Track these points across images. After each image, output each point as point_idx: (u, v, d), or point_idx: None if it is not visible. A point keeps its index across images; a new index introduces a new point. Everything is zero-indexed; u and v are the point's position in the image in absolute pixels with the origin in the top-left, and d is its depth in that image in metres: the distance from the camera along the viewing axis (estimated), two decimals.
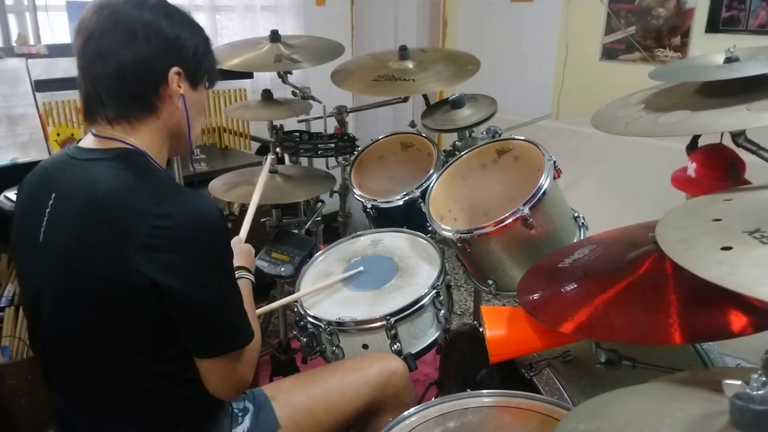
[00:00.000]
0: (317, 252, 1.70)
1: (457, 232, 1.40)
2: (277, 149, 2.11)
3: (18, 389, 1.84)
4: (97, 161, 0.99)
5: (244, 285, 1.23)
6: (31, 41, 2.35)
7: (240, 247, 1.33)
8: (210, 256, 0.96)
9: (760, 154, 1.04)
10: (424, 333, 1.44)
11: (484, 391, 1.14)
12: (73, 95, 2.21)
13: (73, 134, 2.16)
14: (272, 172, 1.85)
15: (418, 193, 1.67)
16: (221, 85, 2.75)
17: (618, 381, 0.89)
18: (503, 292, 1.47)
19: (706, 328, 0.85)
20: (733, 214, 0.84)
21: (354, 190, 1.84)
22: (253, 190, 1.67)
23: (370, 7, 3.60)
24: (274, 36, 2.06)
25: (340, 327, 1.39)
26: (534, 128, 2.37)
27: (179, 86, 1.02)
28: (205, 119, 2.74)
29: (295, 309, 1.50)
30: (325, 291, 1.53)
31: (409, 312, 1.38)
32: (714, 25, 2.70)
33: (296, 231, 2.01)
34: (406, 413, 1.10)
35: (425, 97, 2.07)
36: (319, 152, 2.04)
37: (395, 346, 1.37)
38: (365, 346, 1.40)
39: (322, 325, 1.40)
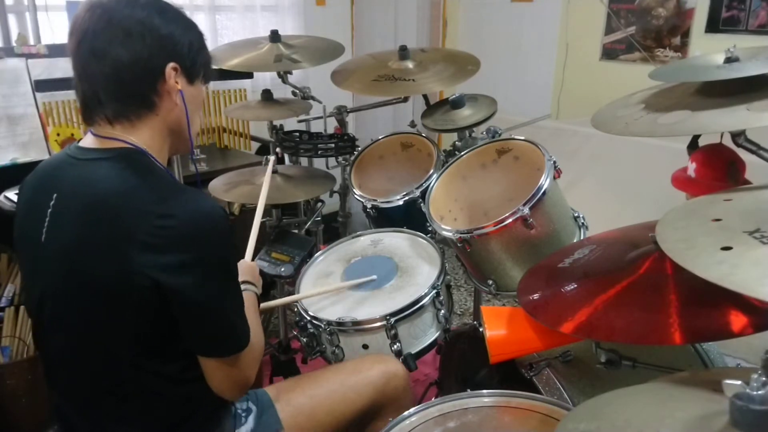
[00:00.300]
0: (317, 252, 1.70)
1: (457, 232, 1.40)
2: (277, 149, 2.11)
3: (18, 389, 1.84)
4: (98, 161, 0.99)
5: (250, 296, 1.23)
6: (31, 41, 2.35)
7: (244, 265, 1.33)
8: (213, 255, 0.96)
9: (760, 154, 1.04)
10: (424, 333, 1.44)
11: (484, 391, 1.14)
12: (73, 95, 2.19)
13: (73, 134, 2.16)
14: (272, 172, 1.85)
15: (418, 193, 1.67)
16: (221, 85, 2.75)
17: (618, 381, 0.89)
18: (503, 292, 1.47)
19: (706, 328, 0.85)
20: (733, 214, 0.84)
21: (354, 190, 1.84)
22: (253, 191, 1.68)
23: (370, 7, 3.60)
24: (274, 36, 2.06)
25: (340, 327, 1.39)
26: (534, 128, 2.37)
27: (176, 82, 1.02)
28: (203, 116, 2.76)
29: (295, 309, 1.50)
30: (325, 287, 1.53)
31: (409, 312, 1.38)
32: (714, 25, 2.70)
33: (296, 231, 2.01)
34: (406, 413, 1.10)
35: (425, 97, 2.07)
36: (319, 152, 2.04)
37: (395, 346, 1.37)
38: (365, 346, 1.40)
39: (322, 325, 1.40)
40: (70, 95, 2.21)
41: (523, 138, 1.56)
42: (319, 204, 2.11)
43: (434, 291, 1.42)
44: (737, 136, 1.04)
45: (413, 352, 1.41)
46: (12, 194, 1.83)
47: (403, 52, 1.99)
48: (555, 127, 2.82)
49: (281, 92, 2.15)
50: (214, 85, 2.74)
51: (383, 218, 1.78)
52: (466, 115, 1.82)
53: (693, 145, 1.27)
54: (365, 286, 1.50)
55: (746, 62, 1.03)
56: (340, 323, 1.39)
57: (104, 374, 1.02)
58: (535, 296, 1.09)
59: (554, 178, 1.40)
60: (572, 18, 3.21)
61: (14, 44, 2.18)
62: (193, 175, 2.23)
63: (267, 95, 2.05)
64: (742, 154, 1.14)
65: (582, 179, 2.60)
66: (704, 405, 0.67)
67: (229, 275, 1.02)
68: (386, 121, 3.47)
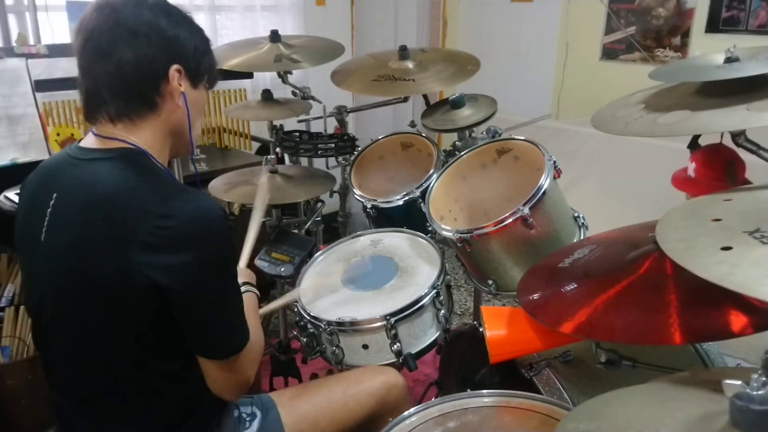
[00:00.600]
0: (317, 252, 1.70)
1: (457, 232, 1.40)
2: (277, 149, 2.11)
3: (18, 389, 1.84)
4: (99, 161, 0.99)
5: (250, 297, 1.24)
6: (31, 41, 2.35)
7: (242, 271, 1.35)
8: (212, 256, 0.96)
9: (760, 154, 1.03)
10: (424, 333, 1.44)
11: (484, 391, 1.14)
12: (73, 95, 2.21)
13: (73, 134, 2.16)
14: (272, 172, 1.85)
15: (418, 193, 1.67)
16: (221, 85, 2.75)
17: (618, 381, 0.89)
18: (503, 292, 1.47)
19: (706, 328, 0.85)
20: (733, 214, 0.84)
21: (354, 190, 1.84)
22: (254, 191, 1.68)
23: (370, 7, 3.60)
24: (274, 36, 2.06)
25: (340, 327, 1.39)
26: (534, 128, 2.36)
27: (180, 84, 1.02)
28: (204, 120, 2.75)
29: (295, 309, 1.50)
30: (325, 291, 1.52)
31: (409, 312, 1.38)
32: (714, 25, 2.70)
33: (296, 231, 2.01)
34: (406, 413, 1.11)
35: (425, 97, 2.07)
36: (319, 152, 2.04)
37: (395, 346, 1.37)
38: (365, 346, 1.40)
39: (322, 325, 1.40)
40: (70, 95, 2.22)
41: (523, 138, 1.56)
42: (319, 204, 2.11)
43: (434, 291, 1.42)
44: (737, 136, 1.04)
45: (413, 352, 1.41)
46: (12, 194, 1.83)
47: (403, 52, 1.99)
48: (555, 127, 2.82)
49: (281, 92, 2.15)
50: None
51: (383, 218, 1.78)
52: (466, 115, 1.82)
53: (693, 145, 1.27)
54: (365, 287, 1.50)
55: (746, 62, 1.02)
56: (340, 323, 1.39)
57: (104, 374, 1.02)
58: (535, 296, 1.09)
59: (554, 178, 1.40)
60: (572, 18, 3.21)
61: (14, 44, 2.18)
62: (193, 175, 2.23)
63: (267, 95, 2.05)
64: (742, 154, 1.14)
65: (582, 179, 2.60)
66: (704, 405, 0.67)
67: (228, 275, 1.02)
68: (386, 121, 3.47)
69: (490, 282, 1.47)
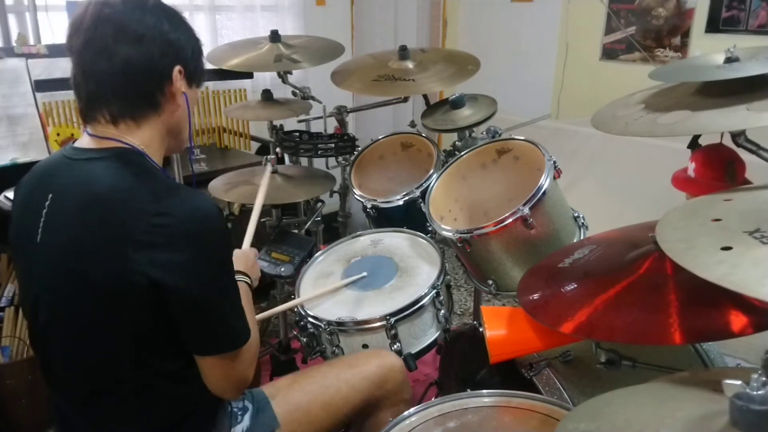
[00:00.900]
0: (317, 252, 1.70)
1: (457, 232, 1.40)
2: (277, 149, 2.11)
3: (18, 389, 1.84)
4: (94, 161, 0.99)
5: (242, 287, 1.23)
6: (31, 41, 2.35)
7: (239, 252, 1.32)
8: (209, 253, 0.97)
9: (760, 154, 1.04)
10: (424, 333, 1.44)
11: (484, 391, 1.14)
12: (74, 95, 2.21)
13: (73, 134, 2.16)
14: (272, 172, 1.85)
15: (418, 193, 1.67)
16: (221, 85, 2.75)
17: (618, 381, 0.89)
18: (503, 292, 1.47)
19: (706, 328, 0.85)
20: (733, 214, 0.84)
21: (354, 190, 1.84)
22: (253, 191, 1.68)
23: (370, 7, 3.60)
24: (274, 36, 2.06)
25: (340, 327, 1.39)
26: (534, 128, 2.36)
27: (180, 84, 1.04)
28: (204, 120, 2.75)
29: (295, 309, 1.50)
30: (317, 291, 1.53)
31: (409, 312, 1.38)
32: (714, 25, 2.70)
33: (296, 231, 2.01)
34: (405, 413, 1.11)
35: (425, 97, 2.07)
36: (319, 152, 2.04)
37: (395, 346, 1.37)
38: (365, 346, 1.40)
39: (322, 325, 1.40)
40: (71, 95, 2.19)
41: (523, 138, 1.56)
42: (319, 204, 2.11)
43: (434, 291, 1.42)
44: (737, 136, 1.04)
45: (413, 352, 1.41)
46: (12, 194, 1.83)
47: (403, 52, 1.99)
48: (555, 127, 2.82)
49: (281, 92, 2.15)
50: (214, 85, 2.75)
51: (383, 218, 1.78)
52: (466, 115, 1.82)
53: (693, 145, 1.27)
54: (366, 287, 1.50)
55: (746, 62, 1.03)
56: (340, 323, 1.39)
57: (103, 374, 1.02)
58: (535, 296, 1.09)
59: (554, 178, 1.40)
60: (572, 18, 3.21)
61: (14, 44, 2.18)
62: (192, 175, 2.23)
63: (267, 95, 2.05)
64: (742, 154, 1.14)
65: (582, 179, 2.60)
66: (704, 405, 0.67)
67: (225, 272, 1.02)
68: (386, 121, 3.46)
69: (490, 282, 1.47)
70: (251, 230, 1.45)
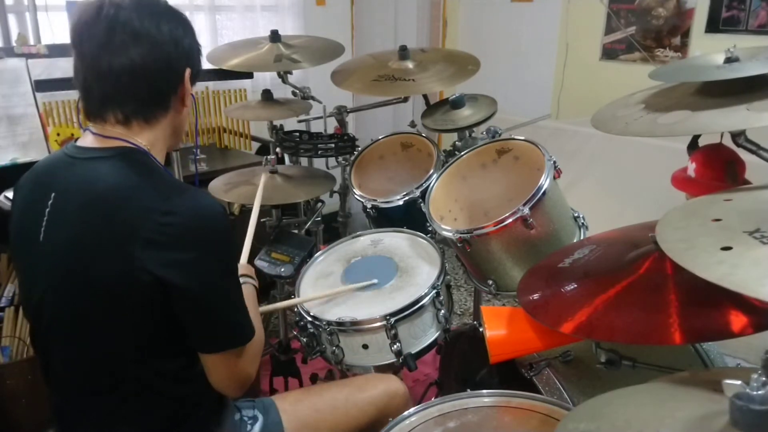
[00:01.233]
0: (317, 252, 1.70)
1: (457, 232, 1.40)
2: (277, 149, 2.11)
3: (18, 389, 1.84)
4: (99, 159, 0.99)
5: (249, 289, 1.24)
6: (31, 41, 2.35)
7: (242, 265, 1.36)
8: (214, 252, 0.97)
9: (760, 154, 1.03)
10: (424, 333, 1.44)
11: (484, 391, 1.14)
12: (73, 95, 2.21)
13: (73, 134, 2.15)
14: (272, 172, 1.85)
15: (418, 193, 1.67)
16: (221, 85, 2.75)
17: (618, 381, 0.89)
18: (503, 292, 1.47)
19: (706, 328, 0.85)
20: (733, 214, 0.84)
21: (354, 190, 1.84)
22: (254, 191, 1.68)
23: (370, 7, 3.60)
24: (274, 36, 2.06)
25: (340, 327, 1.39)
26: (534, 128, 2.36)
27: (188, 86, 1.06)
28: (204, 120, 2.75)
29: (295, 309, 1.50)
30: (326, 291, 1.53)
31: (409, 312, 1.38)
32: (714, 25, 2.70)
33: (296, 231, 2.01)
34: (406, 413, 1.11)
35: (425, 97, 2.07)
36: (319, 152, 2.04)
37: (395, 346, 1.37)
38: (365, 346, 1.40)
39: (322, 325, 1.40)
40: (70, 95, 2.22)
41: (523, 138, 1.56)
42: (319, 204, 2.11)
43: (434, 291, 1.42)
44: (737, 136, 1.04)
45: (413, 352, 1.41)
46: (12, 194, 1.83)
47: (403, 52, 1.99)
48: (555, 127, 2.82)
49: (281, 92, 2.15)
50: (214, 85, 2.75)
51: (383, 218, 1.78)
52: (466, 115, 1.82)
53: (693, 145, 1.27)
54: (365, 287, 1.50)
55: (746, 62, 1.02)
56: (340, 323, 1.39)
57: (105, 373, 1.02)
58: (535, 296, 1.09)
59: (554, 178, 1.40)
60: (572, 18, 3.21)
61: (14, 44, 2.18)
62: (193, 174, 2.23)
63: (267, 95, 2.05)
64: (742, 154, 1.14)
65: (582, 179, 2.60)
66: (704, 405, 0.67)
67: (230, 271, 1.03)
68: (386, 121, 3.47)
69: (490, 282, 1.47)
70: (248, 245, 1.45)
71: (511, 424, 1.08)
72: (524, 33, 3.45)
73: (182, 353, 1.02)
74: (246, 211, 1.62)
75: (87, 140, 1.03)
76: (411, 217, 1.69)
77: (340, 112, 2.18)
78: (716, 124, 0.98)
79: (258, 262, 1.67)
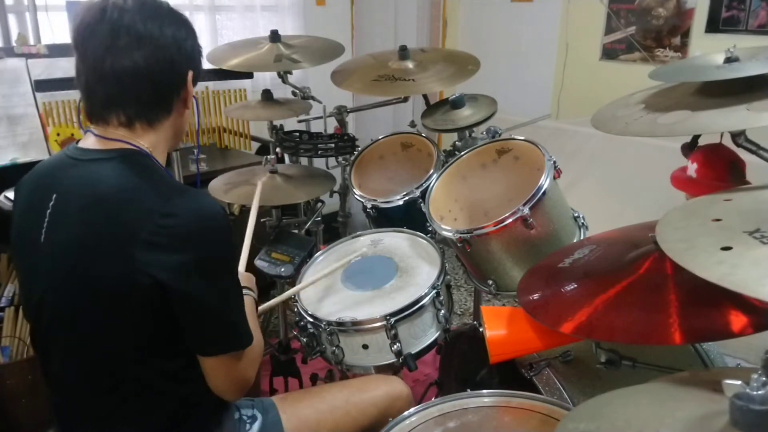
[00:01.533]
0: (317, 252, 1.70)
1: (457, 232, 1.40)
2: (277, 149, 2.11)
3: (18, 389, 1.84)
4: (100, 161, 0.99)
5: (248, 300, 1.24)
6: (31, 41, 2.35)
7: (241, 275, 1.34)
8: (215, 253, 0.97)
9: (760, 154, 1.03)
10: (424, 333, 1.44)
11: (484, 391, 1.14)
12: (73, 95, 2.21)
13: (73, 134, 2.16)
14: (272, 172, 1.85)
15: (418, 193, 1.67)
16: (221, 85, 2.75)
17: (618, 381, 0.89)
18: (503, 292, 1.47)
19: (706, 328, 0.85)
20: (733, 214, 0.84)
21: (354, 190, 1.84)
22: (253, 191, 1.68)
23: (370, 7, 3.60)
24: (274, 36, 2.06)
25: (340, 327, 1.39)
26: (534, 128, 2.37)
27: (191, 88, 1.07)
28: (204, 120, 2.75)
29: (295, 309, 1.50)
30: (325, 291, 1.52)
31: (409, 312, 1.37)
32: (714, 25, 2.70)
33: (296, 231, 2.01)
34: (406, 413, 1.11)
35: (425, 97, 2.07)
36: (319, 152, 2.04)
37: (395, 346, 1.37)
38: (365, 347, 1.40)
39: (322, 325, 1.40)
40: (70, 95, 2.21)
41: (523, 138, 1.56)
42: (319, 204, 2.11)
43: (434, 291, 1.42)
44: (737, 136, 1.04)
45: (413, 352, 1.40)
46: (12, 194, 1.83)
47: (403, 52, 1.99)
48: (555, 127, 2.82)
49: (281, 92, 2.15)
50: (214, 85, 2.75)
51: (383, 218, 1.78)
52: (466, 115, 1.82)
53: (692, 145, 1.27)
54: (365, 287, 1.50)
55: (746, 62, 1.02)
56: (340, 323, 1.39)
57: (105, 374, 1.02)
58: (535, 296, 1.09)
59: (554, 178, 1.40)
60: (572, 18, 3.21)
61: (14, 44, 2.18)
62: (192, 175, 2.23)
63: (267, 95, 2.05)
64: (742, 154, 1.13)
65: (582, 179, 2.60)
66: (704, 405, 0.67)
67: (230, 273, 1.03)
68: (386, 121, 3.47)
69: (490, 282, 1.47)
70: (245, 253, 1.45)
71: (511, 424, 1.08)
72: (524, 33, 3.45)
73: (182, 353, 1.02)
74: (246, 211, 1.62)
75: (89, 142, 1.03)
76: (411, 217, 1.69)
77: (340, 112, 2.18)
78: (716, 124, 0.98)
79: (258, 262, 1.68)
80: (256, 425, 1.19)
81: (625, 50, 3.03)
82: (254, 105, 2.07)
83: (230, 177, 1.91)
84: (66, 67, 2.12)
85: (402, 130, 2.00)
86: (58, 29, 2.50)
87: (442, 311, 1.44)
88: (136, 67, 0.97)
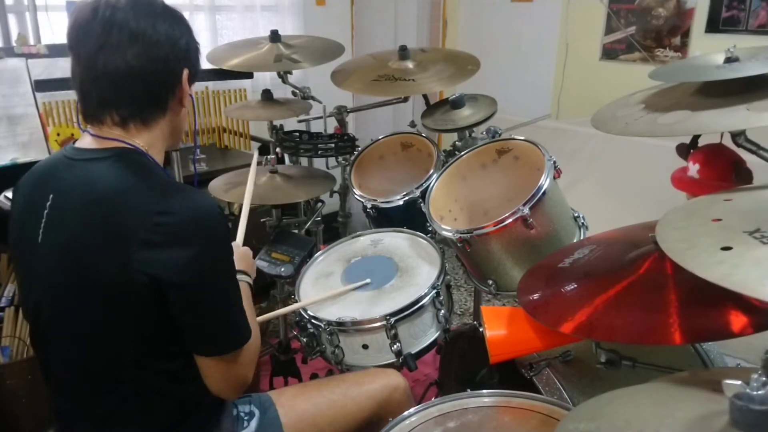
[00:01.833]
0: (317, 252, 1.70)
1: (457, 232, 1.40)
2: (277, 149, 2.11)
3: (18, 389, 1.84)
4: (96, 161, 0.99)
5: (243, 288, 1.23)
6: (31, 41, 2.35)
7: (238, 251, 1.32)
8: (210, 252, 0.97)
9: (760, 154, 1.03)
10: (424, 333, 1.44)
11: (484, 391, 1.14)
12: (73, 95, 2.19)
13: (72, 134, 2.16)
14: (272, 172, 1.85)
15: (418, 193, 1.67)
16: (221, 85, 2.75)
17: (618, 381, 0.89)
18: (503, 292, 1.47)
19: (706, 328, 0.85)
20: (733, 214, 0.84)
21: (354, 190, 1.84)
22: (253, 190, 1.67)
23: (370, 7, 3.60)
24: (274, 36, 2.06)
25: (340, 327, 1.39)
26: (534, 128, 2.37)
27: (187, 87, 1.06)
28: (204, 120, 2.75)
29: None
30: (325, 291, 1.52)
31: (409, 312, 1.38)
32: (714, 25, 2.70)
33: (296, 231, 2.01)
34: (406, 413, 1.11)
35: (425, 97, 2.07)
36: (319, 152, 2.04)
37: (395, 346, 1.37)
38: (365, 346, 1.40)
39: (322, 325, 1.40)
40: (70, 95, 2.21)
41: (523, 138, 1.56)
42: (319, 204, 2.11)
43: (434, 291, 1.42)
44: (737, 136, 1.04)
45: (413, 352, 1.41)
46: (11, 194, 1.83)
47: (403, 52, 1.99)
48: (555, 127, 2.82)
49: (281, 92, 2.15)
50: (214, 85, 2.75)
51: (383, 218, 1.78)
52: (466, 115, 1.82)
53: (692, 145, 1.27)
54: (365, 287, 1.50)
55: (746, 62, 1.02)
56: (340, 323, 1.39)
57: (104, 374, 1.02)
58: (535, 296, 1.09)
59: (554, 178, 1.40)
60: (572, 18, 3.21)
61: (14, 44, 2.18)
62: (192, 174, 2.23)
63: (267, 95, 2.05)
64: (742, 154, 1.13)
65: (582, 179, 2.60)
66: (704, 405, 0.67)
67: (226, 271, 1.02)
68: (386, 121, 3.47)
69: (490, 282, 1.47)
70: (243, 224, 1.44)
71: (511, 424, 1.08)
72: (524, 33, 3.44)
73: (182, 354, 1.02)
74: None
75: (85, 141, 1.03)
76: (411, 217, 1.69)
77: (340, 112, 2.17)
78: (716, 124, 0.98)
79: (258, 262, 1.67)
80: (254, 421, 1.19)
81: (625, 50, 3.03)
82: (254, 105, 2.07)
83: (230, 177, 1.91)
84: (66, 67, 2.10)
85: (402, 130, 2.00)
86: (58, 29, 2.50)
87: (442, 311, 1.44)
88: (128, 66, 0.97)
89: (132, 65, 0.97)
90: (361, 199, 1.79)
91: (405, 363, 1.38)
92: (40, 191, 1.02)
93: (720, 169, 1.21)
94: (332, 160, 2.12)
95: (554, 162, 1.41)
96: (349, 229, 2.39)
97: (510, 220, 1.34)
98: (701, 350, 1.21)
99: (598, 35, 3.10)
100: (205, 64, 1.14)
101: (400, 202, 1.70)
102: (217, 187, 1.83)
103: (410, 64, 1.98)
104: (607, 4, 3.03)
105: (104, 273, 0.94)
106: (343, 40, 2.19)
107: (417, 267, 1.53)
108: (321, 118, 2.13)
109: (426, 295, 1.41)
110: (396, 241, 1.67)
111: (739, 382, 0.60)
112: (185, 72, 1.04)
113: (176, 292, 0.94)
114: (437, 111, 1.91)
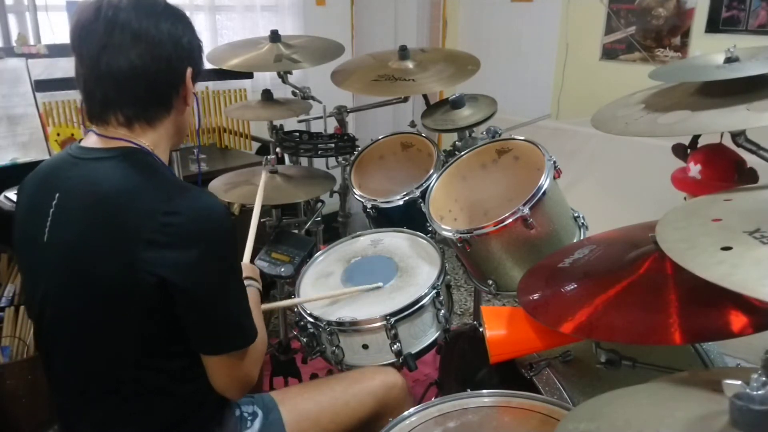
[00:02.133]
0: (317, 252, 1.70)
1: (457, 232, 1.40)
2: (277, 149, 2.11)
3: (18, 389, 1.84)
4: (102, 160, 1.00)
5: (252, 292, 1.24)
6: (31, 41, 2.35)
7: (246, 267, 1.35)
8: (217, 252, 0.97)
9: (760, 154, 1.03)
10: (424, 333, 1.44)
11: (484, 391, 1.14)
12: (73, 95, 2.21)
13: (73, 134, 2.16)
14: (272, 172, 1.85)
15: (418, 193, 1.67)
16: (221, 85, 2.75)
17: (618, 381, 0.89)
18: (503, 292, 1.47)
19: (706, 328, 0.85)
20: (733, 214, 0.84)
21: (354, 190, 1.84)
22: (254, 191, 1.68)
23: (370, 7, 3.60)
24: (274, 36, 2.06)
25: (340, 327, 1.39)
26: (534, 128, 2.36)
27: (190, 85, 1.06)
28: (204, 120, 2.75)
29: (295, 309, 1.50)
30: (325, 291, 1.52)
31: (409, 312, 1.38)
32: (714, 25, 2.70)
33: (296, 231, 2.01)
34: (406, 413, 1.11)
35: (425, 97, 2.07)
36: (319, 152, 2.04)
37: (395, 346, 1.37)
38: (365, 346, 1.40)
39: (322, 325, 1.40)
40: (70, 95, 2.21)
41: (523, 138, 1.56)
42: (319, 204, 2.11)
43: (434, 291, 1.42)
44: (737, 136, 1.04)
45: (413, 352, 1.41)
46: (12, 194, 1.83)
47: (403, 52, 1.99)
48: (555, 127, 2.82)
49: (281, 92, 2.15)
50: (214, 85, 2.75)
51: (383, 218, 1.78)
52: (466, 115, 1.82)
53: (692, 145, 1.27)
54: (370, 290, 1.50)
55: (746, 62, 1.02)
56: (340, 323, 1.39)
57: (107, 373, 1.02)
58: (535, 296, 1.09)
59: (554, 178, 1.40)
60: (572, 18, 3.21)
61: (14, 44, 2.18)
62: (192, 174, 2.23)
63: (267, 95, 2.05)
64: (742, 154, 1.13)
65: (582, 179, 2.60)
66: (704, 405, 0.67)
67: (233, 271, 1.03)
68: (386, 121, 3.47)
69: (490, 282, 1.47)
70: (250, 244, 1.45)
71: (511, 424, 1.08)
72: (524, 33, 3.45)
73: (184, 353, 1.02)
74: (246, 211, 1.62)
75: (90, 140, 1.04)
76: (411, 217, 1.69)
77: (340, 112, 2.17)
78: (716, 124, 0.98)
79: (258, 262, 1.67)
80: (257, 422, 1.19)
81: (625, 50, 3.03)
82: (254, 105, 2.07)
83: (230, 177, 1.91)
84: (66, 67, 2.12)
85: (402, 130, 2.00)
86: (58, 29, 2.50)
87: (442, 311, 1.44)
88: (131, 66, 0.97)
89: (135, 65, 0.97)
90: (361, 199, 1.79)
91: (405, 363, 1.38)
92: (45, 190, 1.02)
93: (722, 169, 1.21)
94: (332, 160, 2.12)
95: (554, 162, 1.41)
96: (349, 229, 2.39)
97: (510, 220, 1.34)
98: (701, 350, 1.21)
99: (598, 35, 3.10)
100: (205, 64, 1.14)
101: (400, 202, 1.70)
102: (217, 187, 1.83)
103: (410, 64, 1.98)
104: (607, 4, 3.03)
105: (109, 272, 0.94)
106: (343, 40, 2.19)
107: (417, 267, 1.53)
108: (321, 118, 2.13)
109: (426, 295, 1.41)
110: (396, 241, 1.67)
111: (739, 382, 0.60)
112: (189, 70, 1.04)
113: (182, 292, 0.94)
114: (437, 111, 1.91)
